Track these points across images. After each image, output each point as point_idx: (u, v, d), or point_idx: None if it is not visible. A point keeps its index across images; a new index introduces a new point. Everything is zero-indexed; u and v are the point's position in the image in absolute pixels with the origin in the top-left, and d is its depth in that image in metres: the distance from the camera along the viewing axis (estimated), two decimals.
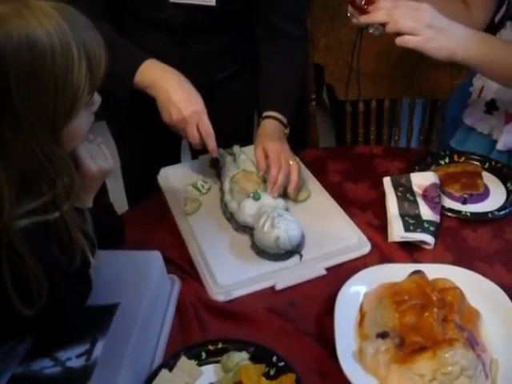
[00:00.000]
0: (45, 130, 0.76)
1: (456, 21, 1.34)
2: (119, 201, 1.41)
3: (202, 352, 0.96)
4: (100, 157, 0.94)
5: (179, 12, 1.31)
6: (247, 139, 1.47)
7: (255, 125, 1.69)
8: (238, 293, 1.09)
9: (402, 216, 1.22)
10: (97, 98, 0.87)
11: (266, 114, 1.37)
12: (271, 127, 1.34)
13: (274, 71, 1.40)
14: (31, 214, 0.77)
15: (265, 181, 1.28)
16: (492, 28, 1.44)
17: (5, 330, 0.84)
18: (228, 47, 1.43)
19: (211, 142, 1.24)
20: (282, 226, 1.11)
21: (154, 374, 0.92)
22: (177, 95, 1.21)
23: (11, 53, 0.71)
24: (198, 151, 1.44)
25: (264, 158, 1.27)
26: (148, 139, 1.56)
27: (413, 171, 1.35)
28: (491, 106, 1.43)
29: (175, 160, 1.56)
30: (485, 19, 1.41)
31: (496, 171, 1.38)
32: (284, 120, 1.36)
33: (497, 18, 1.42)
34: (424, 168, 1.38)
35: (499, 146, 1.42)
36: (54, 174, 0.78)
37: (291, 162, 1.28)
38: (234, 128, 1.48)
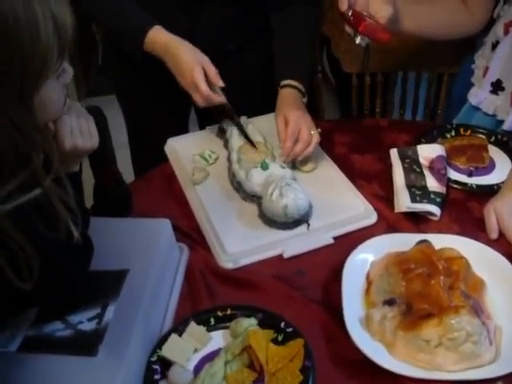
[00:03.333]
0: (14, 96, 0.71)
1: (457, 22, 1.40)
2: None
3: (211, 318, 0.97)
4: (82, 134, 0.88)
5: None
6: (258, 111, 1.46)
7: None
8: (245, 261, 1.10)
9: (409, 187, 1.23)
10: (68, 69, 0.81)
11: (284, 82, 1.35)
12: (291, 96, 1.33)
13: (287, 39, 1.39)
14: (13, 195, 0.72)
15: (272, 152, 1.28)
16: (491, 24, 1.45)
17: (10, 304, 0.82)
18: (238, 18, 1.41)
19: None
20: (290, 195, 1.11)
21: (163, 339, 0.93)
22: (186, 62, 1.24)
23: None
24: (206, 123, 1.44)
25: (285, 129, 1.26)
26: (156, 111, 1.56)
27: (419, 144, 1.35)
28: (497, 87, 1.43)
29: (183, 132, 1.55)
30: (485, 18, 1.42)
31: (502, 145, 1.38)
32: (302, 88, 1.35)
33: (495, 14, 1.42)
34: (430, 141, 1.38)
35: (506, 127, 1.41)
36: (28, 149, 0.73)
37: (312, 132, 1.27)
38: (245, 100, 1.47)
